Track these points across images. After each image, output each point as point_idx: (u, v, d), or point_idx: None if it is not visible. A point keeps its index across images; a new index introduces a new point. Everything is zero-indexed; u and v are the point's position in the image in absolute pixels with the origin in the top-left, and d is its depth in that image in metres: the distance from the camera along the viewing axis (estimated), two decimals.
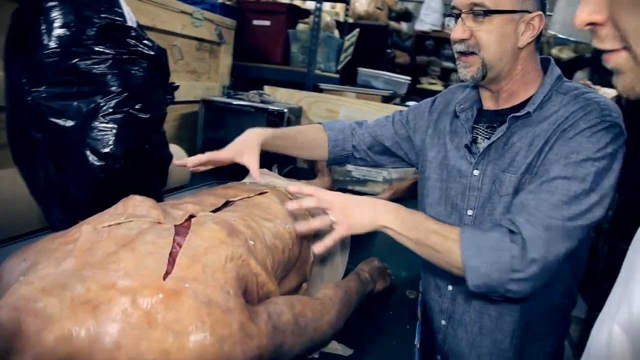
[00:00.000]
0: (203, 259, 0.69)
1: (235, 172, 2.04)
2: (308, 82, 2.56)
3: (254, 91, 2.30)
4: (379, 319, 1.03)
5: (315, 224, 0.93)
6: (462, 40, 1.00)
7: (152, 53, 1.15)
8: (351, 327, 0.91)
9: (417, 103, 1.32)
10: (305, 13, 2.88)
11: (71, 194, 1.06)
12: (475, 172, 1.08)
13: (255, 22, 2.72)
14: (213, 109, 2.15)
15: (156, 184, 1.24)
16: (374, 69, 2.81)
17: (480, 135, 1.11)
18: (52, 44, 1.04)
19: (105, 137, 1.06)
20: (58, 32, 1.04)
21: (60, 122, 1.04)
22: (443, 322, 1.16)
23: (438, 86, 5.34)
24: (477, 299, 1.10)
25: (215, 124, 2.19)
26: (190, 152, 1.60)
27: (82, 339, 0.57)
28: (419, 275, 1.27)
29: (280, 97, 2.42)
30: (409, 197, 1.93)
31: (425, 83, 5.21)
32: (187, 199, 0.99)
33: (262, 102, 2.19)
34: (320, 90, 2.57)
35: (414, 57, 5.35)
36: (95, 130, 1.05)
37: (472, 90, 1.16)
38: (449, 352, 1.15)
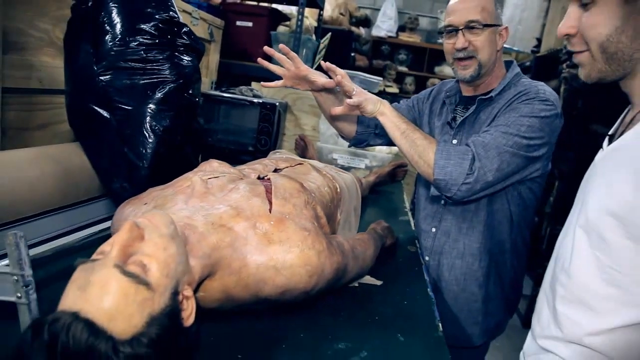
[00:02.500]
0: (291, 201, 0.91)
1: (230, 159, 2.24)
2: None
3: (244, 87, 2.51)
4: (394, 265, 1.28)
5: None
6: (463, 49, 1.32)
7: (199, 47, 1.34)
8: (376, 270, 1.16)
9: (420, 92, 1.66)
10: (286, 17, 3.10)
11: (135, 165, 1.23)
12: (454, 142, 1.42)
13: (239, 23, 2.91)
14: (210, 102, 2.34)
15: (195, 158, 1.43)
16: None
17: (458, 114, 1.47)
18: (119, 34, 1.22)
19: (165, 116, 1.24)
20: (124, 24, 1.22)
21: (127, 102, 1.22)
22: (427, 258, 1.46)
23: (394, 88, 5.72)
24: (454, 232, 1.43)
25: (211, 115, 2.37)
26: None
27: (225, 250, 0.78)
28: (413, 236, 1.54)
29: (267, 92, 2.63)
30: (389, 181, 2.21)
31: (382, 85, 5.55)
32: (241, 167, 1.20)
33: (254, 96, 2.40)
34: None
35: (371, 61, 5.69)
36: (157, 111, 1.24)
37: (456, 83, 1.51)
38: (436, 279, 1.45)
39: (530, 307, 3.20)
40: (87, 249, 1.12)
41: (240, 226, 0.81)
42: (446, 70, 5.86)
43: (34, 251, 1.05)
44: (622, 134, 0.83)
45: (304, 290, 0.83)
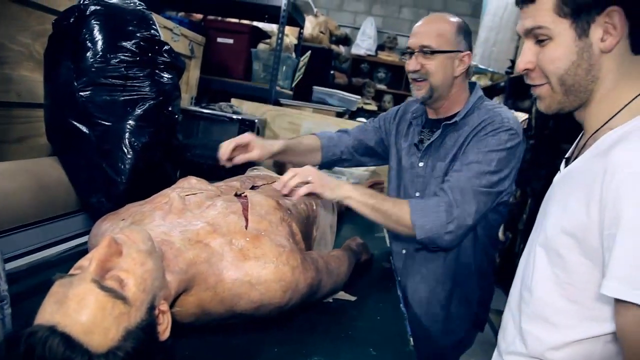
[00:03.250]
0: (267, 217, 0.94)
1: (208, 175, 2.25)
2: (270, 98, 2.82)
3: (224, 103, 2.53)
4: (368, 280, 1.31)
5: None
6: (415, 71, 1.38)
7: (179, 65, 1.37)
8: (350, 286, 1.19)
9: (386, 112, 1.72)
10: (266, 35, 3.15)
11: (113, 180, 1.24)
12: (421, 164, 1.47)
13: (220, 39, 2.95)
14: (189, 117, 2.35)
15: (174, 174, 1.44)
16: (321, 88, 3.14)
17: (424, 137, 1.50)
18: (100, 51, 1.23)
19: (145, 132, 1.26)
20: (105, 41, 1.24)
21: (106, 118, 1.23)
22: (398, 278, 1.49)
23: (372, 106, 5.80)
24: (420, 257, 1.47)
25: (190, 131, 2.39)
26: None
27: (201, 265, 0.80)
28: (388, 253, 1.57)
29: (247, 109, 2.66)
30: None
31: (361, 103, 5.64)
32: (218, 184, 1.22)
33: (233, 112, 2.42)
34: (281, 105, 2.84)
35: (350, 79, 5.78)
36: (137, 127, 1.25)
37: (421, 104, 1.54)
38: (404, 299, 1.49)
39: None
40: (63, 264, 1.12)
41: (217, 242, 0.84)
42: None
43: (9, 266, 1.05)
44: (577, 157, 0.89)
45: (278, 305, 0.86)
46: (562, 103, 0.87)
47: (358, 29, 6.00)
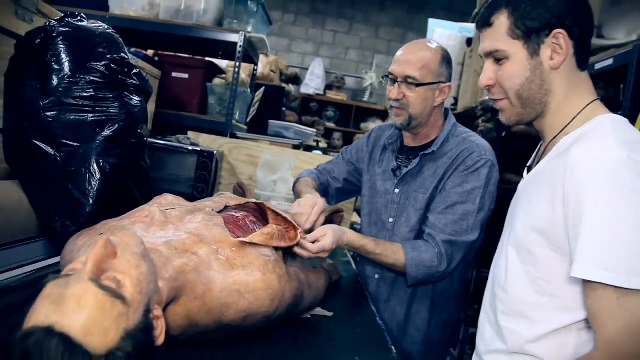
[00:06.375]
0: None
1: None
2: (226, 131, 2.83)
3: (181, 135, 2.52)
4: (341, 298, 1.32)
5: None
6: (396, 100, 1.41)
7: (147, 89, 1.37)
8: (325, 303, 1.20)
9: (358, 140, 1.74)
10: (221, 70, 3.18)
11: (79, 202, 1.20)
12: (396, 191, 1.49)
13: (175, 74, 2.96)
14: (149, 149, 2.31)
15: (142, 197, 1.41)
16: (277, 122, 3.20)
17: (401, 164, 1.53)
18: (69, 71, 1.22)
19: (113, 154, 1.24)
20: (74, 62, 1.22)
21: (74, 139, 1.20)
22: (371, 301, 1.51)
23: (322, 143, 5.91)
24: (399, 280, 1.49)
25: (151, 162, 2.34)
26: None
27: (190, 274, 0.79)
28: (356, 274, 1.59)
29: (203, 142, 2.65)
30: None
31: (311, 141, 5.74)
32: (192, 203, 1.21)
33: (191, 144, 2.41)
34: (237, 138, 2.85)
35: (300, 117, 5.89)
36: (105, 148, 1.23)
37: (396, 129, 1.57)
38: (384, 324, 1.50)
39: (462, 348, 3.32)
40: (23, 289, 1.06)
41: (203, 251, 0.83)
42: (371, 126, 6.19)
43: None
44: (537, 163, 0.97)
45: (265, 314, 0.85)
46: (521, 115, 0.95)
47: (307, 69, 6.18)
